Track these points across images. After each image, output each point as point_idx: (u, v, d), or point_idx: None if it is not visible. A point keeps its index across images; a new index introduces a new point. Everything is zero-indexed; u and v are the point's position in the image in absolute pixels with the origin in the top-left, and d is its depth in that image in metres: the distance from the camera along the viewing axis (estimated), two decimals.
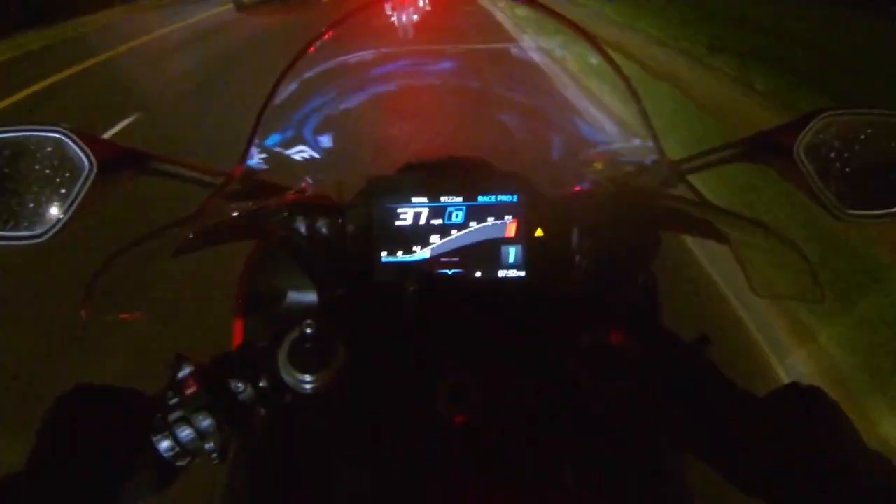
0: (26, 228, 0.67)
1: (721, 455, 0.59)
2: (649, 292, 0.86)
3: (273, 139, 0.89)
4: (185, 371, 0.62)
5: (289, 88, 0.86)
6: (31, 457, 0.54)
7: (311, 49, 0.87)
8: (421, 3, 7.03)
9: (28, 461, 0.54)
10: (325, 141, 0.94)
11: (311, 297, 0.85)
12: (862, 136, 0.70)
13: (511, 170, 0.84)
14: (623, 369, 0.64)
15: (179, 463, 0.60)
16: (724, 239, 0.74)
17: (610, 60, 0.86)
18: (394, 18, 6.37)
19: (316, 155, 0.92)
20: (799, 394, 0.60)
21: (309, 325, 0.65)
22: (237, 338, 0.87)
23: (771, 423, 0.59)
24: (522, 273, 0.84)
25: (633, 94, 0.85)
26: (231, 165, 0.82)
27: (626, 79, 0.86)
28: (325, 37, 0.88)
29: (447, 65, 0.96)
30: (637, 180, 0.85)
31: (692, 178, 0.80)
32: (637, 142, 0.89)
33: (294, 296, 0.86)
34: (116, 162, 0.71)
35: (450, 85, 1.01)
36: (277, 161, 0.88)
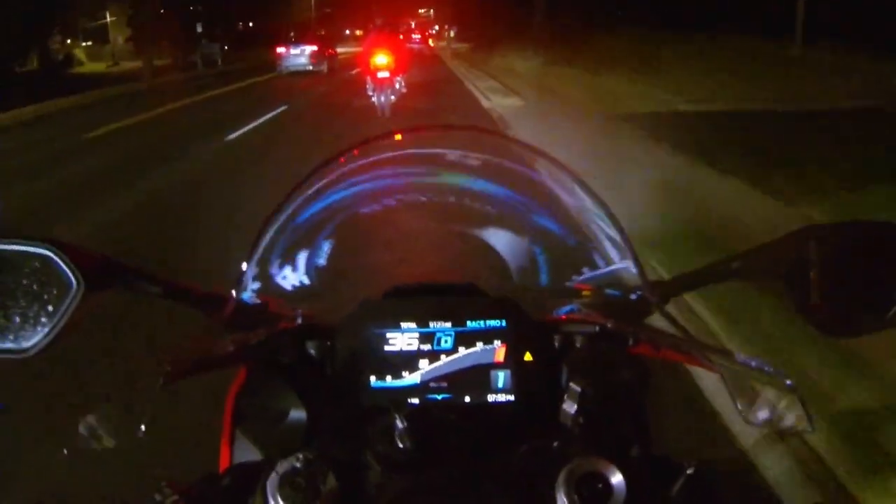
0: (12, 342, 0.67)
1: None
2: (640, 420, 0.85)
3: (266, 262, 0.90)
4: (171, 500, 0.60)
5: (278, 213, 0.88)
6: None
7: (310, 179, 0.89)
8: (397, 86, 7.36)
9: None
10: (316, 262, 0.95)
11: (300, 418, 0.84)
12: (851, 249, 0.70)
13: (499, 294, 0.85)
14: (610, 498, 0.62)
15: None
16: (715, 367, 0.74)
17: (589, 190, 0.90)
18: (374, 99, 6.59)
19: (306, 276, 0.93)
20: None
21: (298, 458, 0.64)
22: (224, 461, 0.85)
23: None
24: (512, 397, 0.84)
25: (616, 222, 0.87)
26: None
27: (605, 205, 0.89)
28: (336, 162, 0.89)
29: (438, 179, 0.99)
30: (624, 310, 0.86)
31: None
32: (623, 265, 0.91)
33: (283, 418, 0.84)
34: (105, 278, 0.72)
35: (440, 205, 1.04)
36: (268, 285, 0.89)
